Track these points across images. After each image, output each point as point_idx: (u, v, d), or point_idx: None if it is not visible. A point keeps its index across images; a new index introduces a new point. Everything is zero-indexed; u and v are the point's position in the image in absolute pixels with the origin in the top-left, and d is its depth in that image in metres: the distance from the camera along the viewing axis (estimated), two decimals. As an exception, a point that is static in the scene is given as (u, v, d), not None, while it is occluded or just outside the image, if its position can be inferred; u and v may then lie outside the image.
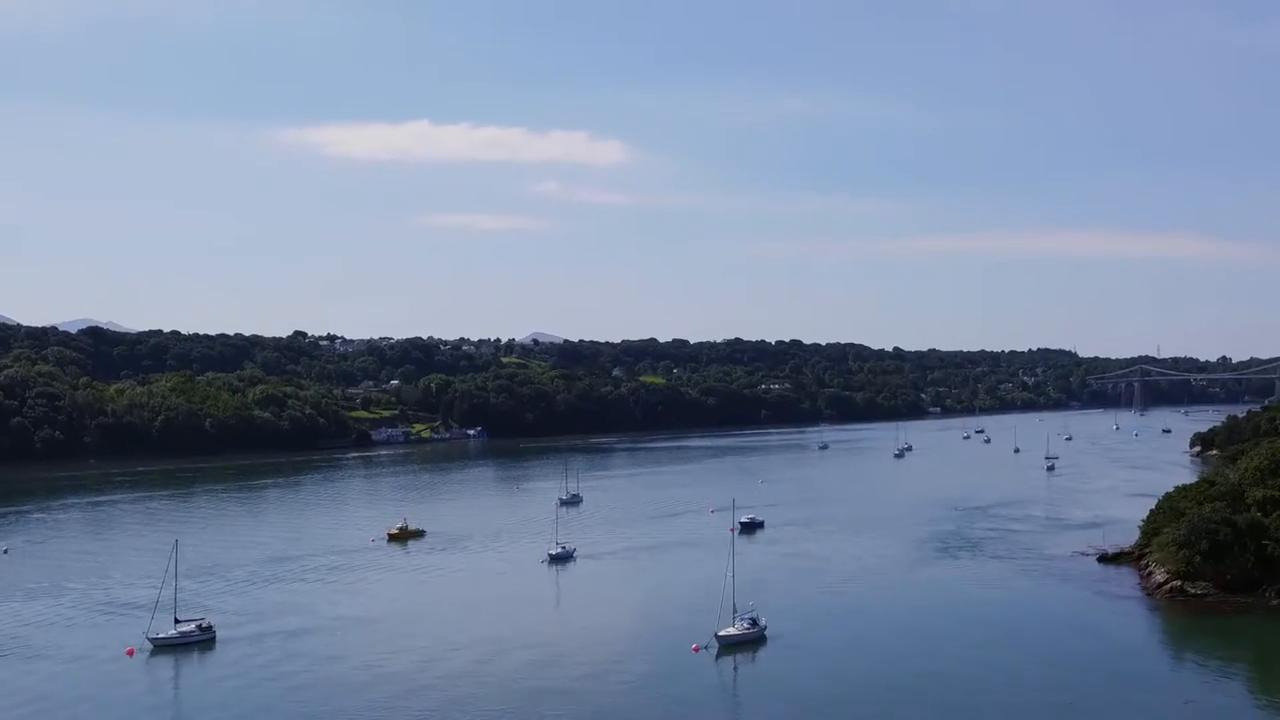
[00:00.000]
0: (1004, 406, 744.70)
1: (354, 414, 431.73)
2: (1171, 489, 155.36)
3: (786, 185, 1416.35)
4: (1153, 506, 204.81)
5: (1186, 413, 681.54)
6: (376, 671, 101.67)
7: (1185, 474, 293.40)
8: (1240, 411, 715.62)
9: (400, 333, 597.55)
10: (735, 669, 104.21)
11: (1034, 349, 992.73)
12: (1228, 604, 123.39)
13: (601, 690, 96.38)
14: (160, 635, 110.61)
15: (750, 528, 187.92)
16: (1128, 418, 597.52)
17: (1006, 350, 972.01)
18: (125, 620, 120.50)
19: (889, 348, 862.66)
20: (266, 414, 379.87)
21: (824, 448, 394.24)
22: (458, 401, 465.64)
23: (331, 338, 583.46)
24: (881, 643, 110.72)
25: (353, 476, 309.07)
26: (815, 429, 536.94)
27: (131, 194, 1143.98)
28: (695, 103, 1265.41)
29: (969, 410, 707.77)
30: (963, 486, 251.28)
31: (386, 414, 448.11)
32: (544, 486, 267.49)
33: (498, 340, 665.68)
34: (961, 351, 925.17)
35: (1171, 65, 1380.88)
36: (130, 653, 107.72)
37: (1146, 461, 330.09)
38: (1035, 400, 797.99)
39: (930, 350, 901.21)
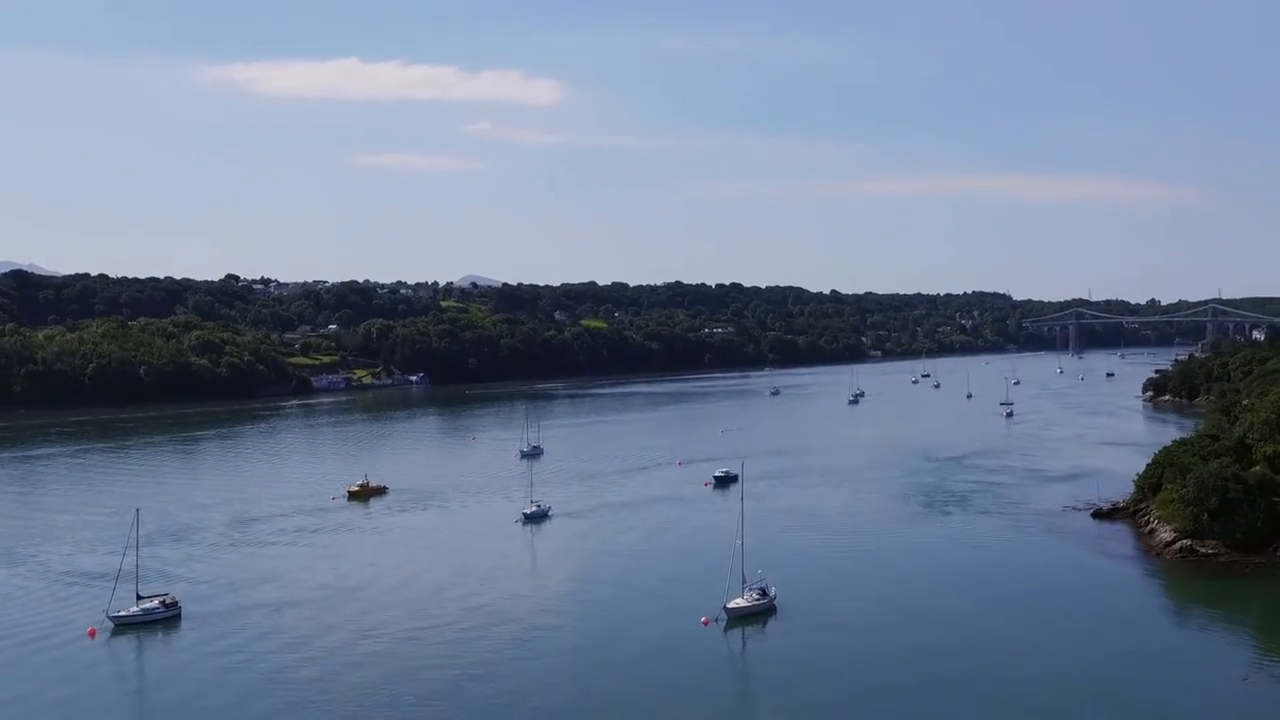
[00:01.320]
0: (943, 349, 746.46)
1: (293, 360, 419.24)
2: (1170, 442, 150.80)
3: (723, 126, 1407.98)
4: (1125, 456, 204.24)
5: (1123, 355, 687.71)
6: (353, 651, 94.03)
7: (1143, 420, 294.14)
8: (1173, 354, 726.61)
9: (335, 276, 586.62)
10: (745, 644, 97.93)
11: (969, 292, 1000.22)
12: (1240, 564, 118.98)
13: (602, 670, 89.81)
14: (122, 613, 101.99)
15: (724, 482, 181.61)
16: (1069, 361, 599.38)
17: (943, 293, 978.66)
18: (83, 595, 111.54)
19: (827, 290, 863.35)
20: (204, 361, 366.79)
21: (775, 393, 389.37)
22: (399, 347, 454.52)
23: (265, 281, 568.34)
24: (895, 611, 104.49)
25: (298, 426, 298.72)
26: (760, 373, 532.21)
27: (52, 133, 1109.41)
28: (631, 41, 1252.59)
29: (909, 353, 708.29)
30: (928, 435, 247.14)
31: (327, 360, 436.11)
32: (499, 437, 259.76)
33: (435, 283, 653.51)
34: (898, 294, 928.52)
35: (1103, 8, 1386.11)
36: (91, 633, 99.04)
37: (1102, 407, 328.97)
38: (973, 343, 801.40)
39: (867, 293, 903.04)
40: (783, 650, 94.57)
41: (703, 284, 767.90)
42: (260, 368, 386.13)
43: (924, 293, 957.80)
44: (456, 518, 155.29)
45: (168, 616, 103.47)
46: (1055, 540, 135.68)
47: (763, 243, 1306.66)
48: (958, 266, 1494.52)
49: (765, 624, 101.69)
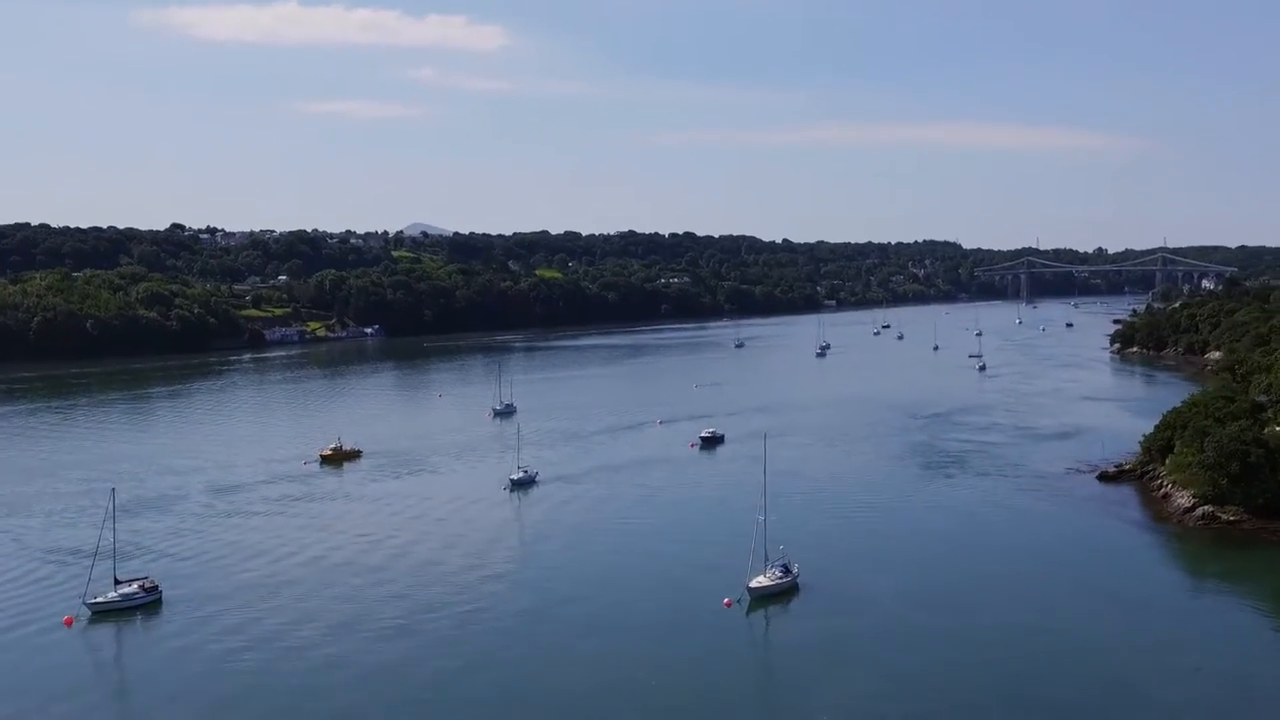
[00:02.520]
0: (896, 299, 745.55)
1: (245, 312, 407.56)
2: (1180, 404, 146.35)
3: (670, 75, 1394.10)
4: (1110, 412, 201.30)
5: (1076, 305, 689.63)
6: (346, 636, 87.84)
7: (1115, 373, 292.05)
8: (1125, 303, 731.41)
9: (282, 225, 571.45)
10: (770, 627, 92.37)
11: (920, 241, 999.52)
12: (1266, 532, 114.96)
13: (621, 659, 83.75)
14: (99, 600, 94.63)
15: (711, 443, 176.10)
16: (1026, 311, 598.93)
17: (894, 242, 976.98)
18: (58, 576, 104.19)
19: (779, 239, 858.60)
20: (153, 314, 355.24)
21: (740, 346, 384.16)
22: (354, 298, 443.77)
23: (211, 230, 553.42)
24: (920, 589, 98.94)
25: (255, 382, 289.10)
26: (719, 324, 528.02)
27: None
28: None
29: (863, 303, 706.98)
30: (906, 390, 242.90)
31: (279, 312, 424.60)
32: (467, 393, 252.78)
33: (386, 233, 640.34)
34: (850, 243, 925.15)
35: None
36: (68, 622, 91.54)
37: (1071, 359, 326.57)
38: (926, 292, 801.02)
39: (819, 242, 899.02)
40: (810, 636, 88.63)
41: (656, 233, 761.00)
42: (211, 321, 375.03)
43: (875, 241, 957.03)
44: (439, 484, 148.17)
45: (148, 602, 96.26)
46: (1066, 506, 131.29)
47: (714, 192, 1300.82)
48: (908, 215, 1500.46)
49: (788, 604, 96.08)
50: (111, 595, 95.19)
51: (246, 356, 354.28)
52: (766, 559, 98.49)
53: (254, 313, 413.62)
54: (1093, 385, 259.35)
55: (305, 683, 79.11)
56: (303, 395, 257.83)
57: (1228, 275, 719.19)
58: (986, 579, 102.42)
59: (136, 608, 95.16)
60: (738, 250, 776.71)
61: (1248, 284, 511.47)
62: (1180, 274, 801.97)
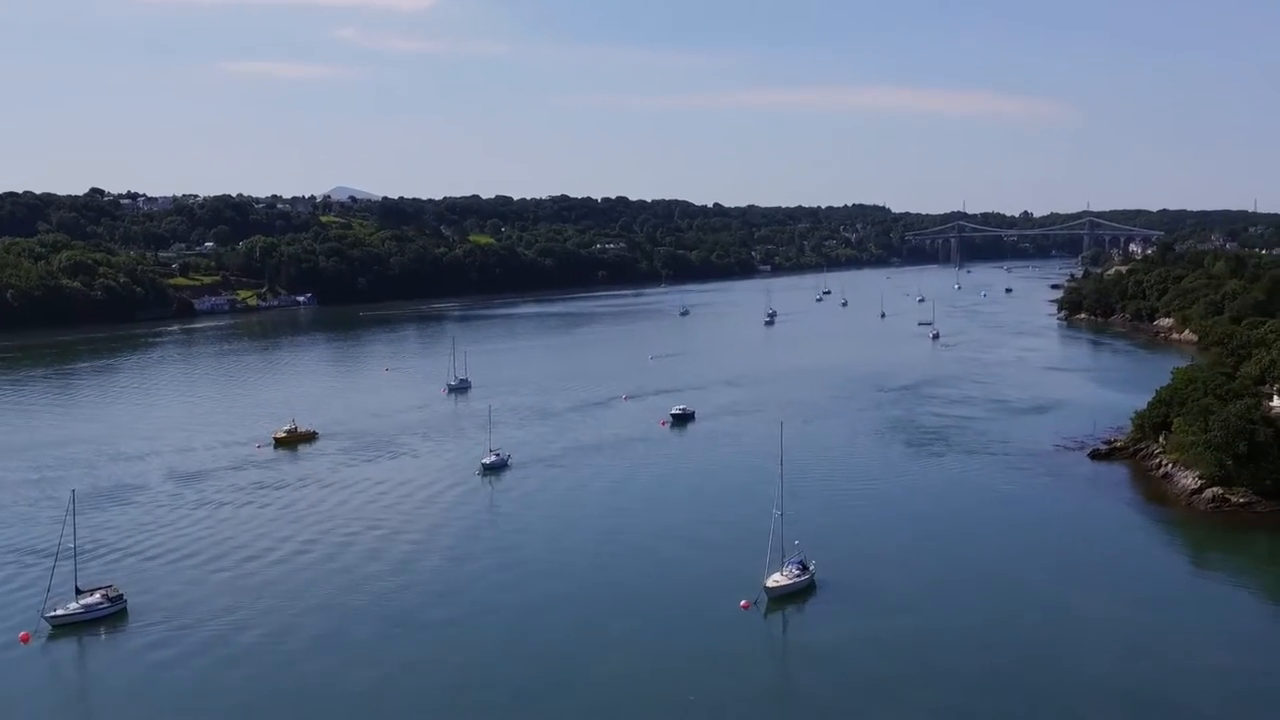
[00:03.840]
0: (830, 263, 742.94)
1: (172, 281, 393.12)
2: (1171, 378, 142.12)
3: (598, 38, 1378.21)
4: (1078, 383, 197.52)
5: (1009, 269, 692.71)
6: (330, 655, 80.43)
7: (1069, 341, 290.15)
8: (1055, 266, 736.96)
9: (205, 190, 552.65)
10: (789, 630, 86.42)
11: (850, 205, 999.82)
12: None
13: (634, 667, 77.67)
14: (59, 613, 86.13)
15: (682, 420, 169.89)
16: (965, 276, 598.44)
17: (824, 206, 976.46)
18: (12, 584, 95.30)
19: (710, 204, 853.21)
20: (76, 283, 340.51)
21: (685, 314, 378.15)
22: (285, 266, 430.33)
23: (133, 195, 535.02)
24: (937, 584, 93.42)
25: (189, 355, 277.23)
26: (657, 290, 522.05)
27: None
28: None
29: (798, 268, 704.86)
30: (866, 361, 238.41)
31: (208, 281, 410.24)
32: (415, 366, 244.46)
33: (313, 197, 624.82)
34: (781, 207, 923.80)
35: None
36: (24, 639, 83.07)
37: (1020, 326, 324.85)
38: (858, 256, 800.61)
39: (750, 206, 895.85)
40: (832, 640, 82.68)
41: (589, 197, 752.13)
42: (138, 290, 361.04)
43: (805, 206, 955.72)
44: (405, 469, 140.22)
45: (113, 612, 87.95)
46: (1068, 488, 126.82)
47: (644, 156, 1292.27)
48: (837, 180, 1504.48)
49: (805, 604, 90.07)
50: (72, 607, 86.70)
51: (175, 327, 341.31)
52: (783, 555, 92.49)
53: (182, 281, 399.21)
54: (1052, 354, 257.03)
55: (284, 703, 72.08)
56: (242, 370, 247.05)
57: (1155, 239, 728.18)
58: (1005, 573, 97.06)
59: (100, 619, 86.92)
60: (671, 215, 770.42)
61: (1177, 248, 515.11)
62: (1107, 238, 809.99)
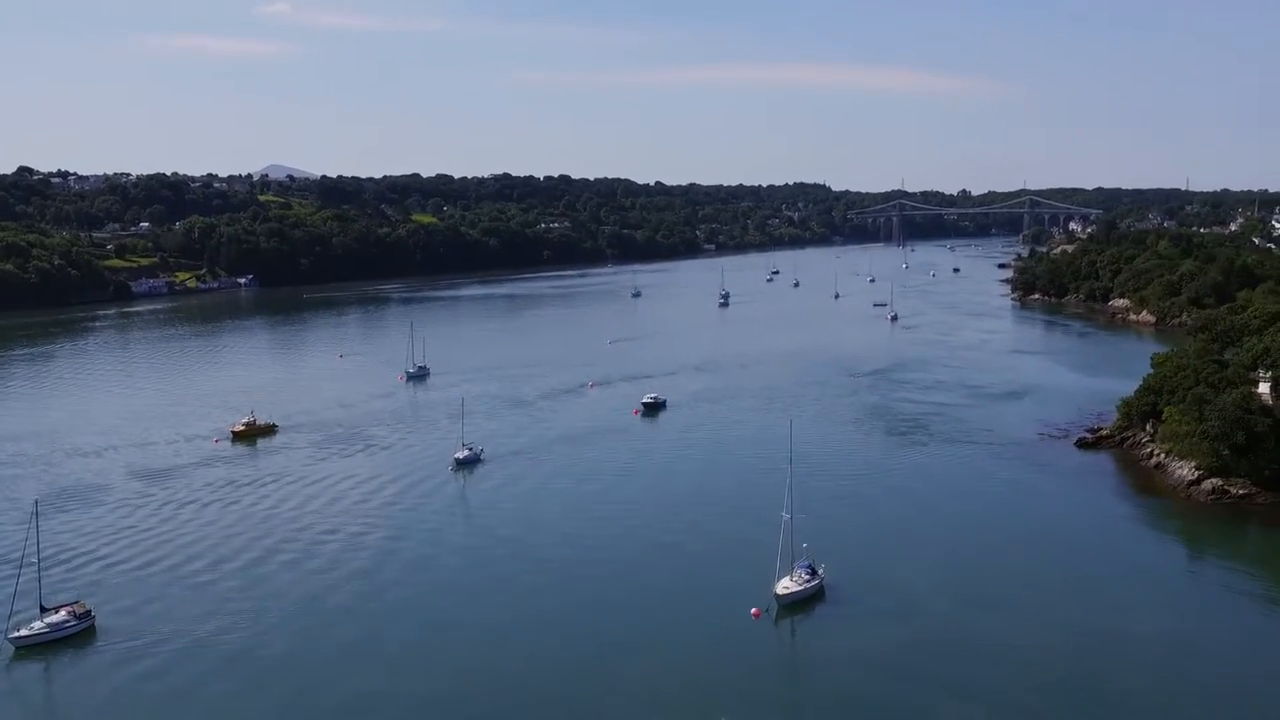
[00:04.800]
0: (773, 242, 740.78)
1: (108, 263, 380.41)
2: (1155, 365, 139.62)
3: (536, 13, 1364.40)
4: (1046, 367, 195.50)
5: (952, 248, 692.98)
6: (313, 665, 76.44)
7: (1026, 322, 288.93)
8: (997, 244, 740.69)
9: (137, 168, 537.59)
10: (799, 639, 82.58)
11: (791, 183, 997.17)
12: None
13: (649, 687, 73.71)
14: (23, 633, 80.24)
15: (654, 409, 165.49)
16: (912, 256, 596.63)
17: (765, 184, 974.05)
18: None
19: (652, 182, 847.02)
20: (8, 266, 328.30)
21: (637, 295, 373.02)
22: (225, 247, 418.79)
23: (64, 174, 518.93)
24: (948, 589, 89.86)
25: (129, 341, 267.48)
26: (604, 270, 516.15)
27: None
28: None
29: (742, 246, 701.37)
30: (829, 345, 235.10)
31: (145, 262, 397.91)
32: (368, 351, 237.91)
33: (250, 176, 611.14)
34: (723, 186, 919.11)
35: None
36: (-14, 664, 76.98)
37: (976, 308, 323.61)
38: (801, 235, 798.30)
39: (692, 184, 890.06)
40: (847, 650, 78.82)
41: (531, 176, 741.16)
42: (73, 273, 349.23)
43: (746, 184, 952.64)
44: (374, 464, 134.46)
45: (80, 630, 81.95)
46: (1062, 479, 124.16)
47: (585, 134, 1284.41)
48: (777, 158, 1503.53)
49: (814, 610, 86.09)
50: (37, 626, 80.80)
51: (113, 311, 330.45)
52: (792, 559, 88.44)
53: (118, 263, 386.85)
54: (1013, 336, 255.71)
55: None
56: (189, 356, 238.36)
57: (1094, 217, 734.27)
58: (1014, 573, 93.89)
59: (68, 637, 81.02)
60: (614, 194, 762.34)
61: (1119, 227, 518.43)
62: (1047, 216, 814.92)
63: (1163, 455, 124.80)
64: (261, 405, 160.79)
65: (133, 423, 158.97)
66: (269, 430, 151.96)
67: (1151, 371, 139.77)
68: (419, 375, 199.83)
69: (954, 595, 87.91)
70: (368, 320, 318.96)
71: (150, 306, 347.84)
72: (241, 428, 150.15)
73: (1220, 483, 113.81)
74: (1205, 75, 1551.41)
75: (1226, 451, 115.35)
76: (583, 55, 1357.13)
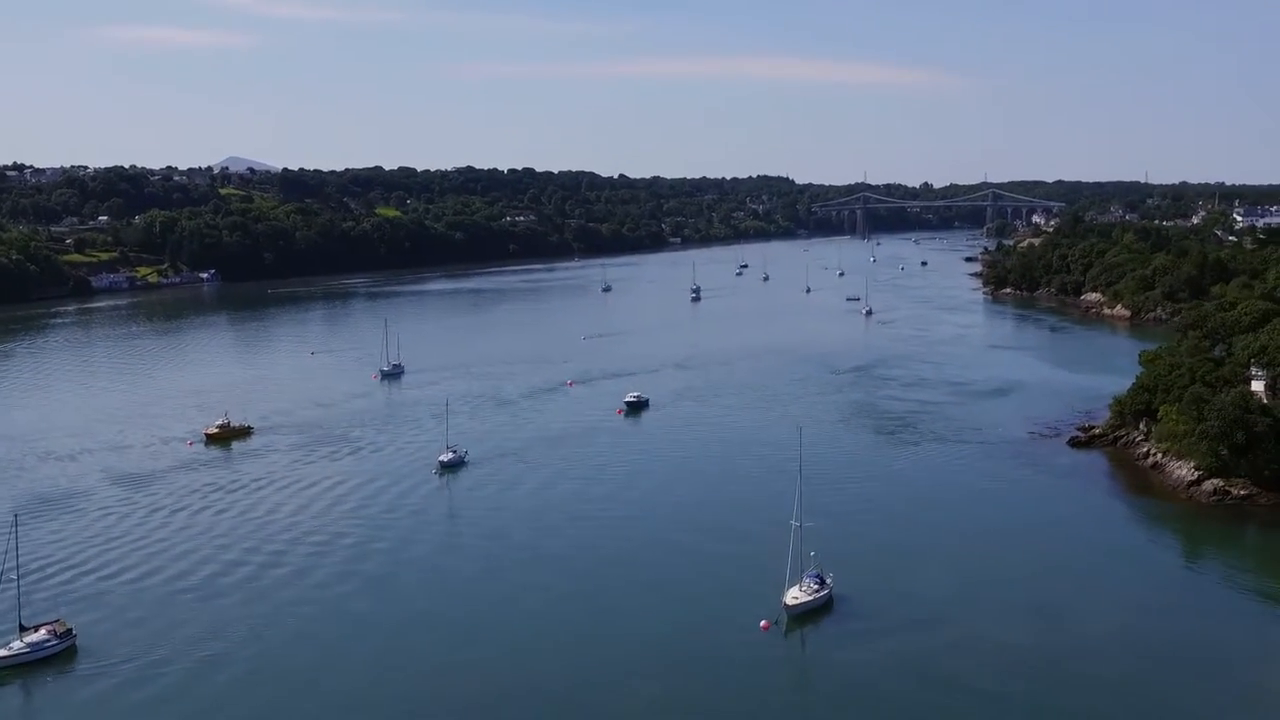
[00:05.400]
0: (738, 235, 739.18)
1: (67, 258, 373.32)
2: (1143, 362, 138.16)
3: (500, 4, 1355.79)
4: (1029, 363, 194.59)
5: (917, 241, 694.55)
6: (314, 697, 72.29)
7: (1000, 316, 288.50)
8: (962, 238, 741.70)
9: (95, 161, 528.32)
10: (810, 652, 80.00)
11: (755, 176, 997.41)
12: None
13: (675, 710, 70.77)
14: (1, 654, 76.40)
15: (637, 408, 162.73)
16: (877, 249, 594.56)
17: (729, 177, 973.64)
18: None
19: (616, 175, 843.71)
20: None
21: (607, 290, 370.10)
22: (187, 241, 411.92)
23: (19, 167, 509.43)
24: (951, 595, 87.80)
25: (92, 338, 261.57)
26: (571, 264, 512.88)
27: None
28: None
29: (707, 239, 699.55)
30: (809, 340, 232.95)
31: (105, 257, 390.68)
32: (340, 348, 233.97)
33: (210, 169, 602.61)
34: (687, 179, 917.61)
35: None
36: (-37, 687, 73.18)
37: (948, 301, 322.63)
38: (766, 228, 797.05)
39: (656, 177, 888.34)
40: (862, 663, 76.43)
41: (495, 169, 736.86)
42: (32, 268, 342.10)
43: (710, 177, 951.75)
44: (357, 468, 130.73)
45: (61, 650, 78.21)
46: (1060, 480, 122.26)
47: (549, 126, 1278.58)
48: (740, 150, 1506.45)
49: (821, 622, 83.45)
50: (16, 646, 76.98)
51: (73, 307, 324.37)
52: (801, 568, 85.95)
53: (77, 258, 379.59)
54: (990, 332, 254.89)
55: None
56: (155, 354, 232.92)
57: (1056, 210, 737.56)
58: (1024, 581, 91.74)
59: (48, 658, 77.33)
60: (579, 186, 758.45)
61: (1082, 220, 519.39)
62: (1009, 208, 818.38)
63: (1160, 455, 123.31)
64: (235, 405, 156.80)
65: (104, 424, 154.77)
66: (244, 432, 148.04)
67: (1143, 369, 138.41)
68: (394, 373, 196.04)
69: (964, 603, 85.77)
70: (335, 316, 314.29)
71: (111, 302, 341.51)
72: (216, 430, 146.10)
73: (1221, 483, 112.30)
74: (1165, 69, 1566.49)
75: (1225, 451, 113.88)
76: (544, 47, 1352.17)
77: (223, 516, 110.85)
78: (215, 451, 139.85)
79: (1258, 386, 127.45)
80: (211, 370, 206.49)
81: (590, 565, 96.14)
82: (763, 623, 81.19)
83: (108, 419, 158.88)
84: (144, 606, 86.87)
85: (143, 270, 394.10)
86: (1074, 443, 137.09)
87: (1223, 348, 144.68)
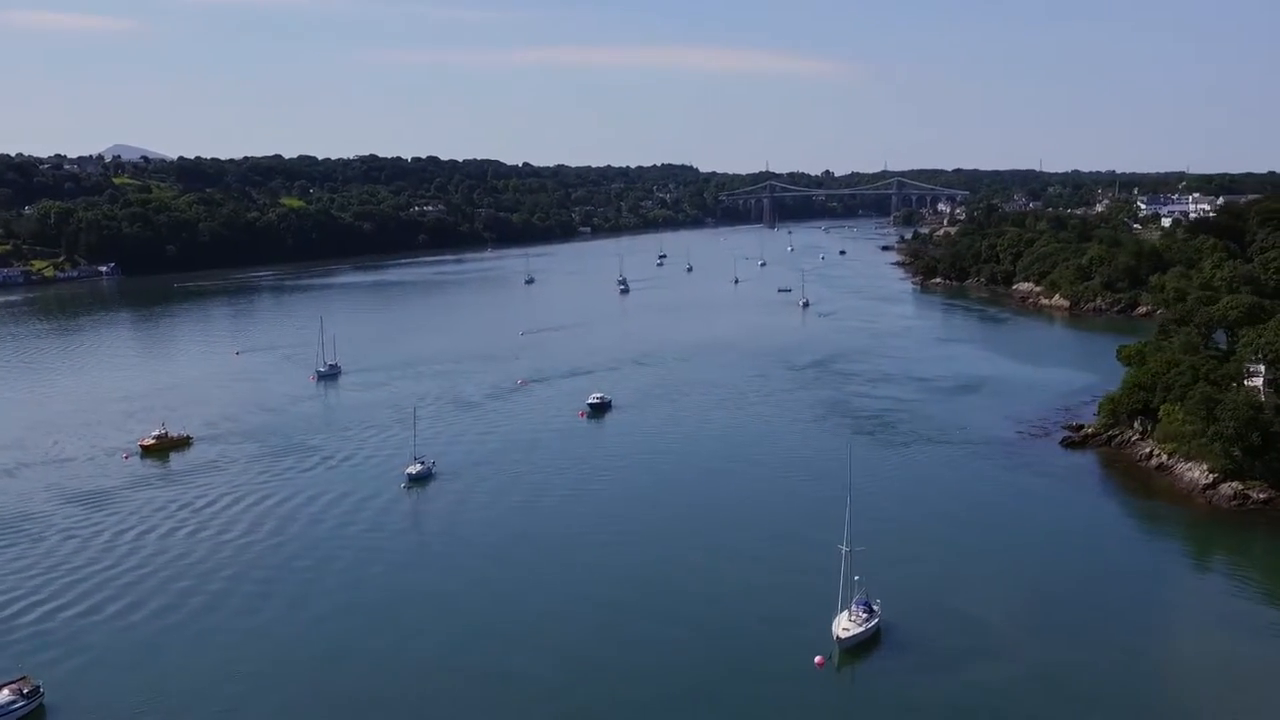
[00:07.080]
0: (648, 225, 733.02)
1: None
2: (1128, 356, 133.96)
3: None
4: (984, 356, 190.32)
5: (826, 229, 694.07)
6: None
7: (932, 306, 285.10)
8: (871, 225, 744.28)
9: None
10: (862, 688, 73.15)
11: (659, 165, 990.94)
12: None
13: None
14: (-39, 721, 66.21)
15: (600, 409, 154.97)
16: (793, 238, 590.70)
17: (634, 166, 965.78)
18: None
19: (520, 163, 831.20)
20: None
21: (531, 282, 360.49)
22: (84, 233, 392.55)
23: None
24: (997, 620, 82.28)
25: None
26: (483, 254, 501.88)
27: None
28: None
29: (616, 229, 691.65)
30: (755, 335, 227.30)
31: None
32: (265, 347, 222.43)
33: (101, 157, 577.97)
34: (592, 167, 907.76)
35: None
36: (-80, 764, 62.98)
37: (879, 292, 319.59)
38: (675, 217, 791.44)
39: (560, 166, 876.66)
40: (922, 701, 70.11)
41: (399, 157, 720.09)
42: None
43: (615, 165, 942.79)
44: (314, 483, 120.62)
45: (28, 711, 68.25)
46: (1062, 484, 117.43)
47: (451, 114, 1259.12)
48: (644, 139, 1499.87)
49: (873, 654, 76.62)
50: (-23, 713, 66.91)
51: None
52: (851, 595, 79.04)
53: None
54: (934, 323, 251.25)
55: None
56: (62, 355, 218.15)
57: (959, 199, 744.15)
58: (1061, 600, 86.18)
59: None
60: (484, 175, 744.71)
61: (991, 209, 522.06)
62: (914, 197, 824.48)
63: (1165, 456, 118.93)
64: (168, 412, 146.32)
65: (43, 430, 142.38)
66: (183, 443, 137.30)
67: (1129, 367, 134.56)
68: (330, 374, 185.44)
69: (1017, 628, 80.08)
70: (250, 311, 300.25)
71: (5, 298, 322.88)
72: (152, 441, 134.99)
73: (1240, 486, 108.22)
74: (1057, 62, 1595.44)
75: (1239, 453, 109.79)
76: (444, 34, 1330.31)
77: (175, 540, 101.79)
78: (153, 465, 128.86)
79: (1256, 382, 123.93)
80: (133, 373, 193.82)
81: (611, 592, 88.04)
82: (817, 659, 74.17)
83: (35, 427, 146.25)
84: (106, 651, 77.44)
85: (37, 264, 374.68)
86: (1067, 443, 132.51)
87: (1213, 343, 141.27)
